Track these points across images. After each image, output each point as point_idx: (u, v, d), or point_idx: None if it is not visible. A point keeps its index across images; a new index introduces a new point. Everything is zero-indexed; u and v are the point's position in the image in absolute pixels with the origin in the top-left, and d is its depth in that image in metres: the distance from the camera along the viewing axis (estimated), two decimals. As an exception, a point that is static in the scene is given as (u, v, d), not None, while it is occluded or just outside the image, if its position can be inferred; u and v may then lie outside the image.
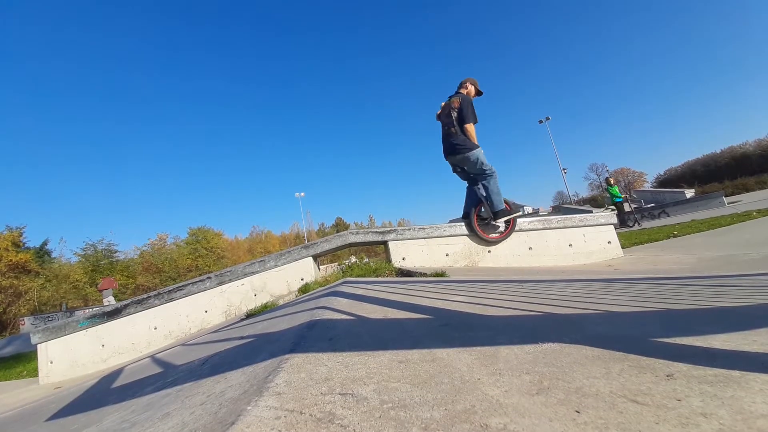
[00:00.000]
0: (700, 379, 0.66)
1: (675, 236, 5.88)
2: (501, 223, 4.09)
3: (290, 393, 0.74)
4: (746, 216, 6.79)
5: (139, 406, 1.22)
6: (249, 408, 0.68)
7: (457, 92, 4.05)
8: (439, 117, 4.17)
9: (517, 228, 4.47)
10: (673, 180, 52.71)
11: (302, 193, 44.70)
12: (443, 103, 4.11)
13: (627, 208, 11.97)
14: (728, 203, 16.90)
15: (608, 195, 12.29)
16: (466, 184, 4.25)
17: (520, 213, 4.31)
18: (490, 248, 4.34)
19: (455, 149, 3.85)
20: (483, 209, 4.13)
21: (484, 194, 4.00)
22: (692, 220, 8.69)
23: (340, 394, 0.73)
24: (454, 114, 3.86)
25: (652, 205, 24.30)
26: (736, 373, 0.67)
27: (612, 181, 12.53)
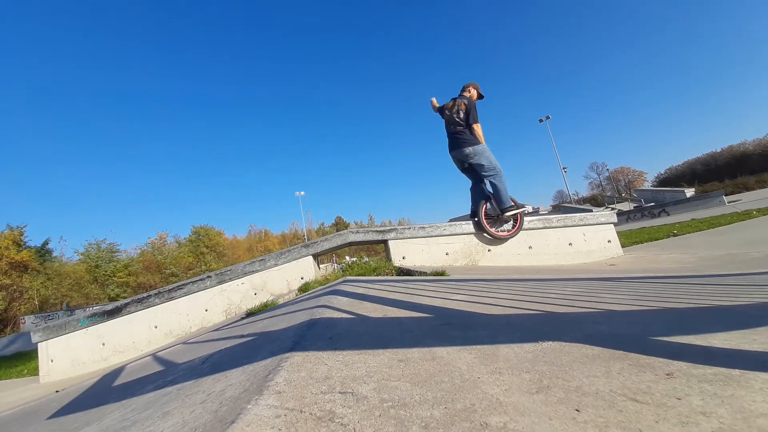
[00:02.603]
0: (700, 378, 0.66)
1: (675, 235, 5.87)
2: (509, 219, 4.24)
3: (290, 392, 0.74)
4: (746, 215, 6.79)
5: (140, 404, 1.22)
6: (249, 406, 0.68)
7: (461, 95, 4.32)
8: (440, 112, 4.44)
9: (517, 226, 4.47)
10: (673, 179, 52.74)
11: (302, 192, 44.79)
12: (446, 104, 4.38)
13: None
14: (728, 202, 16.90)
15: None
16: (470, 183, 4.41)
17: (526, 209, 4.38)
18: (490, 247, 4.34)
19: (463, 144, 4.09)
20: (489, 207, 4.27)
21: (492, 191, 4.18)
22: (692, 219, 8.69)
23: (340, 393, 0.73)
24: (461, 114, 4.14)
25: (653, 204, 24.30)
26: (736, 371, 0.67)
27: None
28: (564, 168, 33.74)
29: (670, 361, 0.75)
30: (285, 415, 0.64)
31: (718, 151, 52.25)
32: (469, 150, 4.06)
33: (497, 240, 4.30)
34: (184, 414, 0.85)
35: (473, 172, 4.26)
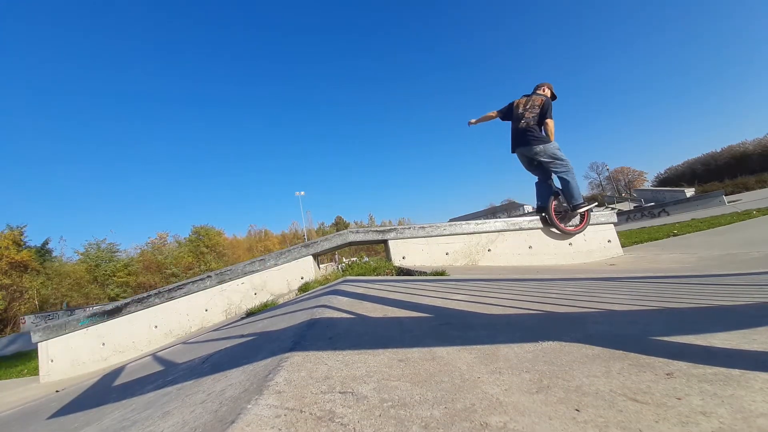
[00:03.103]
0: (700, 378, 0.66)
1: (675, 235, 5.87)
2: (577, 215, 4.28)
3: (290, 391, 0.74)
4: (746, 215, 6.78)
5: (140, 404, 1.22)
6: (249, 406, 0.68)
7: (535, 92, 4.29)
8: (505, 113, 4.38)
9: (516, 227, 4.47)
10: (673, 179, 52.76)
11: (302, 192, 44.74)
12: (517, 101, 4.32)
13: None
14: (728, 202, 16.91)
15: None
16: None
17: (596, 204, 4.38)
18: (490, 247, 4.34)
19: (533, 141, 4.05)
20: (557, 203, 4.29)
21: (562, 188, 4.20)
22: (692, 219, 8.69)
23: (340, 393, 0.73)
24: (536, 111, 4.11)
25: (653, 204, 24.30)
26: (736, 371, 0.67)
27: None
28: (564, 168, 33.62)
29: (670, 361, 0.75)
30: (285, 415, 0.64)
31: (718, 151, 52.28)
32: (539, 148, 4.02)
33: (565, 235, 4.34)
34: (184, 414, 0.85)
35: (540, 168, 4.24)
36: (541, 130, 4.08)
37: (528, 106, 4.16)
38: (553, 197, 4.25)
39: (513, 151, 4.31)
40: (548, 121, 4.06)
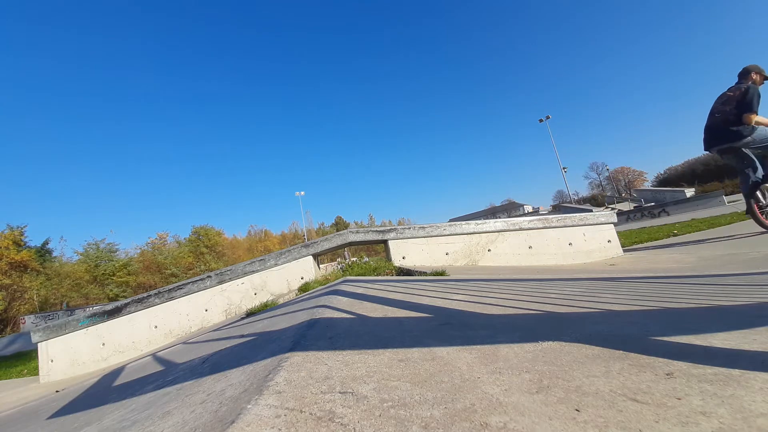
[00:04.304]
0: (700, 378, 0.66)
1: (675, 235, 5.86)
2: None
3: (290, 391, 0.74)
4: (746, 215, 6.76)
5: (140, 404, 1.22)
6: (249, 406, 0.68)
7: (739, 82, 3.77)
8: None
9: (516, 227, 4.47)
10: (673, 179, 52.75)
11: (302, 192, 44.76)
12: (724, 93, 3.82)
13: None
14: (728, 202, 16.90)
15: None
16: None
17: None
18: (490, 247, 4.34)
19: (735, 135, 3.57)
20: (760, 196, 3.83)
21: None
22: (692, 219, 8.68)
23: (340, 393, 0.73)
24: (733, 104, 3.63)
25: (653, 204, 24.30)
26: (736, 371, 0.67)
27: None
28: (564, 168, 33.81)
29: (670, 361, 0.75)
30: (285, 415, 0.64)
31: (718, 151, 52.13)
32: (748, 139, 3.50)
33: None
34: (184, 414, 0.85)
35: (735, 158, 3.74)
36: (740, 124, 3.52)
37: (725, 99, 3.67)
38: (752, 188, 3.67)
39: (707, 149, 3.82)
40: (745, 116, 3.47)
